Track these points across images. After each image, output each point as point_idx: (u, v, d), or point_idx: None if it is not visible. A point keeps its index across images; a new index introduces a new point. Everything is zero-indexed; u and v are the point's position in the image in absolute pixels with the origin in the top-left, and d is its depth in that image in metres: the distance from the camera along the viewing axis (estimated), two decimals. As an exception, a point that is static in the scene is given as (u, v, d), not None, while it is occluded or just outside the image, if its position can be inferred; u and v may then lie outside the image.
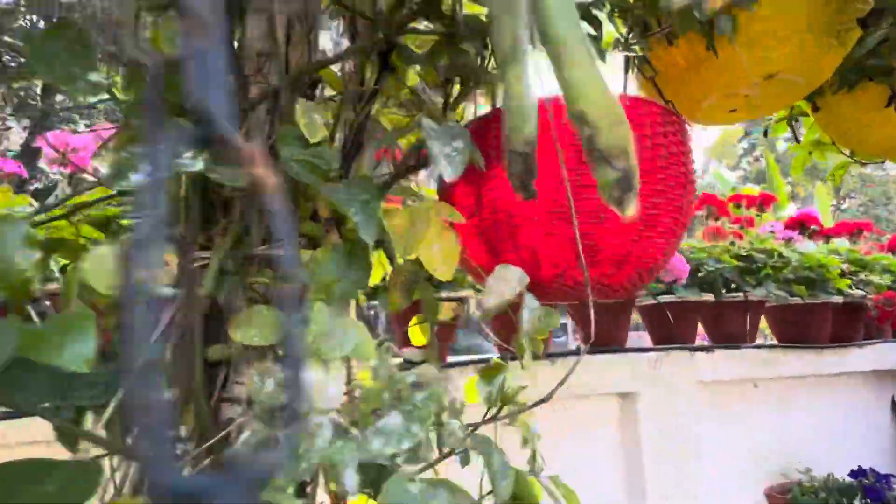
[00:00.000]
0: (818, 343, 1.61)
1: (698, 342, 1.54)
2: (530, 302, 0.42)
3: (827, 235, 1.91)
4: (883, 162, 0.79)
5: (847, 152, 0.71)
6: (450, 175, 0.38)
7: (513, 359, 0.43)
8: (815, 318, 1.59)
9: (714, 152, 13.94)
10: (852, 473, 1.51)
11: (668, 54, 0.58)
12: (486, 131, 0.49)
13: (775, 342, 1.68)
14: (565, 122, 0.26)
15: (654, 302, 1.42)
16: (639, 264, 0.52)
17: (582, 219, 0.43)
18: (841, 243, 2.09)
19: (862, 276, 1.73)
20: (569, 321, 2.57)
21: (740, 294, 1.47)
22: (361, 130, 0.46)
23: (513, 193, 0.29)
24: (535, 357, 0.42)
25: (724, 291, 1.50)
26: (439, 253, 0.43)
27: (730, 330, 1.52)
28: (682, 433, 1.34)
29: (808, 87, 0.56)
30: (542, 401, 0.41)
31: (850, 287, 1.64)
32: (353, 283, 0.36)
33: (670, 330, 1.43)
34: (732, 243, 1.56)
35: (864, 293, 1.65)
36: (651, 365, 1.30)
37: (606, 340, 1.33)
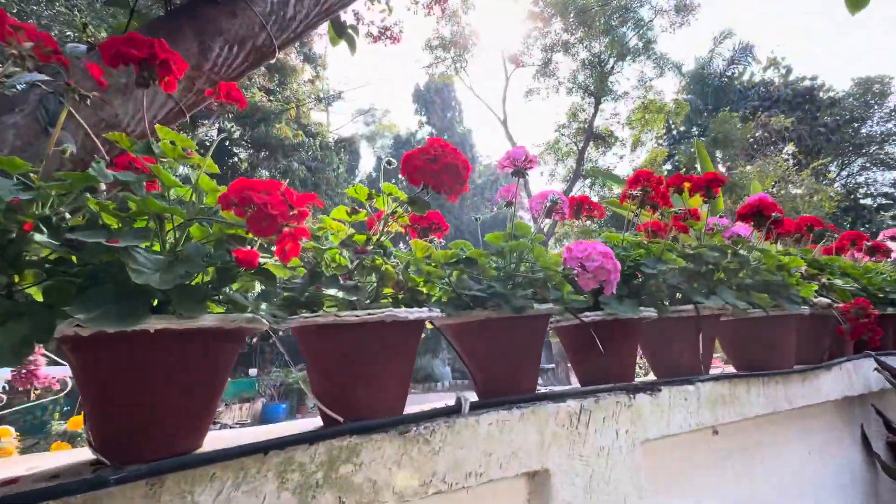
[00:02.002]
0: (783, 367, 1.24)
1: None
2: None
3: (779, 234, 1.59)
4: None
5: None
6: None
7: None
8: (780, 336, 1.22)
9: (643, 172, 14.53)
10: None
11: None
12: None
13: (731, 370, 1.29)
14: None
15: (574, 322, 0.97)
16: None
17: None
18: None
19: (823, 280, 1.41)
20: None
21: (689, 307, 1.07)
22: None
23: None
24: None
25: (667, 303, 1.09)
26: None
27: (679, 358, 1.11)
28: (622, 517, 0.89)
29: None
30: None
31: (815, 294, 1.30)
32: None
33: (600, 363, 0.99)
34: (675, 239, 1.17)
35: (829, 301, 1.32)
36: (572, 421, 0.84)
37: (504, 386, 0.86)
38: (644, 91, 15.30)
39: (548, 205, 1.00)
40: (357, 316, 0.63)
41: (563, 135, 15.75)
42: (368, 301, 0.75)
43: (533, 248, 0.84)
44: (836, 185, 20.24)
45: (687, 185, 1.21)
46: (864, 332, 1.22)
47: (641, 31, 14.43)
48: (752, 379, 1.15)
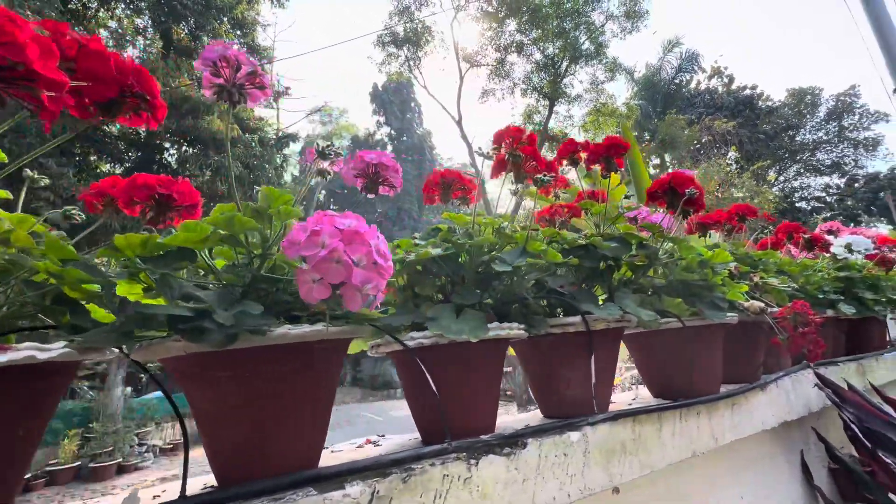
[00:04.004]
0: (708, 392, 0.96)
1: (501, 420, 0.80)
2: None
3: (704, 224, 1.34)
4: None
5: None
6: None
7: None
8: (703, 352, 0.94)
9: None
10: None
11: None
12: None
13: (644, 402, 1.00)
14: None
15: (398, 348, 0.64)
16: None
17: None
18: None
19: (756, 279, 1.15)
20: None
21: (577, 318, 0.75)
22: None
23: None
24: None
25: (546, 316, 0.78)
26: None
27: (565, 390, 0.80)
28: None
29: None
30: None
31: (746, 297, 1.04)
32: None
33: (434, 408, 0.66)
34: (563, 225, 0.86)
35: (763, 305, 1.05)
36: (355, 520, 0.50)
37: (247, 464, 0.51)
38: (596, 94, 15.49)
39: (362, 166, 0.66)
40: None
41: (518, 136, 15.66)
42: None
43: (286, 233, 0.49)
44: (774, 189, 21.42)
45: (583, 154, 0.91)
46: (804, 344, 0.96)
47: (594, 35, 14.60)
48: (664, 413, 0.85)
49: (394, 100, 26.72)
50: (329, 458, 0.65)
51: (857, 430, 1.13)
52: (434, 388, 0.63)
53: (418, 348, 0.63)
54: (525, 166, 0.80)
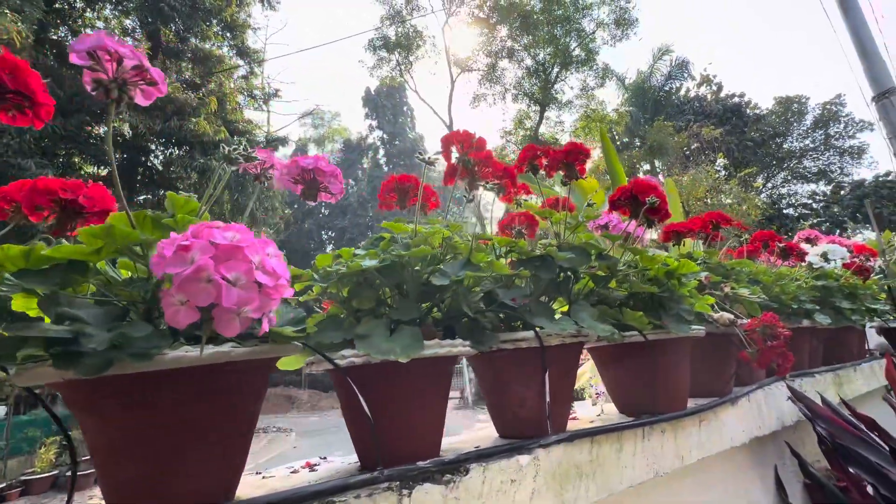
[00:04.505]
0: (673, 409, 0.92)
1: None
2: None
3: (677, 233, 1.31)
4: None
5: None
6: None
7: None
8: (668, 367, 0.90)
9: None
10: None
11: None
12: None
13: (606, 419, 0.96)
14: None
15: (331, 367, 0.59)
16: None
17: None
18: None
19: (726, 289, 1.12)
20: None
21: (529, 333, 0.71)
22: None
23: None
24: None
25: (506, 330, 0.74)
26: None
27: (519, 409, 0.76)
28: None
29: None
30: None
31: (713, 308, 1.00)
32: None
33: (367, 432, 0.61)
34: (520, 233, 0.82)
35: (733, 317, 1.02)
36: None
37: (142, 498, 0.46)
38: (587, 100, 15.59)
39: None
40: None
41: (509, 142, 15.75)
42: None
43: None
44: (762, 195, 21.69)
45: (542, 160, 0.87)
46: (774, 358, 0.93)
47: (584, 42, 14.70)
48: (624, 432, 0.81)
49: (386, 104, 26.68)
50: (254, 487, 0.60)
51: (829, 445, 1.09)
52: (367, 409, 0.58)
53: (351, 367, 0.59)
54: (481, 172, 0.76)
